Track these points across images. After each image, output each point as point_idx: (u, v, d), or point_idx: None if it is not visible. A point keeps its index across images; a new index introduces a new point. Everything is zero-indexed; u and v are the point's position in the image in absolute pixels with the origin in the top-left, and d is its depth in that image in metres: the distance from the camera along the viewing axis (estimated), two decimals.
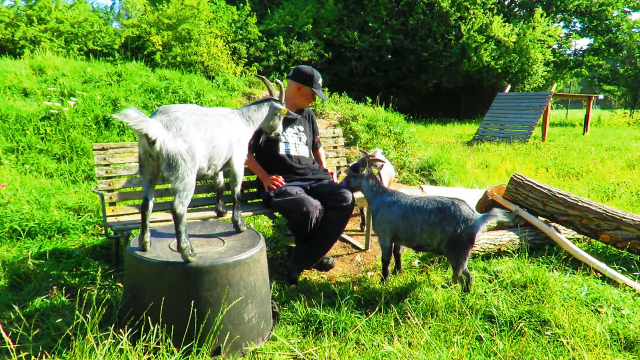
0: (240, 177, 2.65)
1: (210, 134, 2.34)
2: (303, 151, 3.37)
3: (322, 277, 3.25)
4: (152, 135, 2.02)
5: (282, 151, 3.26)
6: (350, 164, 3.09)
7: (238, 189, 2.66)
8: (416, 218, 2.70)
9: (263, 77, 2.89)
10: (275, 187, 3.14)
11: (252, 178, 3.52)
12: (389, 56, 17.68)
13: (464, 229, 2.55)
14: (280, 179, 3.15)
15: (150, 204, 2.28)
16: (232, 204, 2.69)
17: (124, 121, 1.90)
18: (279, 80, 2.98)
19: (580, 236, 3.70)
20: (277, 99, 2.83)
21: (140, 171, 2.26)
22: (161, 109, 2.23)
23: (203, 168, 2.35)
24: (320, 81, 3.28)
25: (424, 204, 2.71)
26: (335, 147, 4.06)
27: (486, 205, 3.92)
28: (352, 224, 4.41)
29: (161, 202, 3.17)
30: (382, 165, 3.29)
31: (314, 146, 3.58)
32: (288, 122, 3.34)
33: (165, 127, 2.12)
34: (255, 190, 3.52)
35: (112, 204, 3.04)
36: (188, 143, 2.17)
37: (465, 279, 2.67)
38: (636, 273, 3.10)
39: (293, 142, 3.32)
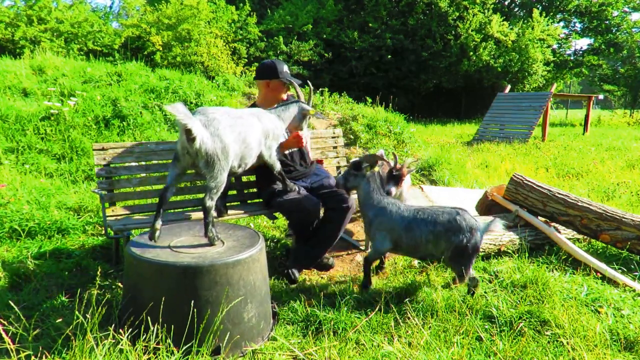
0: (277, 164, 2.95)
1: (244, 135, 2.54)
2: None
3: (322, 277, 3.25)
4: (195, 132, 2.18)
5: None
6: (352, 160, 2.94)
7: (277, 168, 2.96)
8: (421, 229, 2.65)
9: (292, 80, 3.10)
10: (302, 142, 3.09)
11: (252, 178, 3.52)
12: (389, 56, 17.67)
13: (469, 238, 2.57)
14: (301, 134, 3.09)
15: (169, 195, 2.40)
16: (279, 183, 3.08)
17: (173, 113, 2.08)
18: (309, 84, 3.16)
19: (580, 236, 3.70)
20: (304, 100, 3.03)
21: (172, 164, 2.41)
22: (199, 110, 2.42)
23: (234, 167, 2.54)
24: (285, 68, 3.19)
25: (428, 215, 2.66)
26: (335, 147, 4.06)
27: (486, 205, 3.92)
28: (353, 224, 4.41)
29: None
30: (383, 164, 3.26)
31: None
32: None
33: (204, 126, 2.29)
34: (255, 190, 3.51)
35: (112, 204, 3.04)
36: (223, 143, 2.35)
37: (473, 284, 2.68)
38: (636, 273, 3.10)
39: None
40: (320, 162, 3.61)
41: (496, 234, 3.45)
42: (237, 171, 2.64)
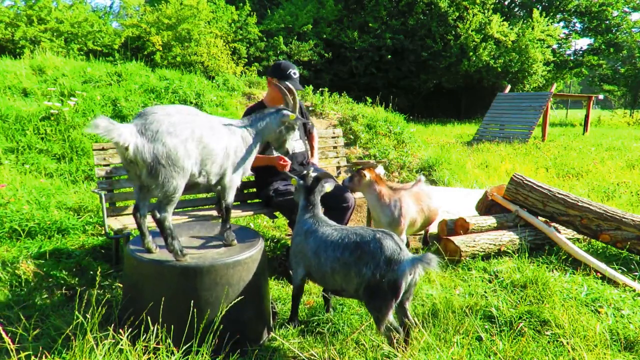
0: (230, 195, 2.41)
1: (199, 133, 2.13)
2: (298, 146, 3.35)
3: None
4: (123, 142, 1.89)
5: (276, 152, 3.23)
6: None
7: (229, 199, 2.42)
8: (327, 255, 2.12)
9: (280, 85, 2.58)
10: (286, 167, 3.05)
11: (252, 178, 3.52)
12: (389, 56, 17.66)
13: (386, 272, 1.95)
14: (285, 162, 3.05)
15: (142, 214, 2.15)
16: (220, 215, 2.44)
17: (95, 132, 1.80)
18: (289, 84, 2.59)
19: (580, 236, 3.70)
20: (286, 107, 2.55)
21: (128, 178, 2.18)
22: (141, 112, 2.07)
23: (194, 174, 2.15)
24: (291, 71, 3.17)
25: (339, 238, 2.12)
26: (335, 147, 4.06)
27: (486, 205, 3.93)
28: (352, 224, 4.41)
29: None
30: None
31: (307, 132, 3.56)
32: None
33: (140, 131, 1.97)
34: (255, 190, 3.51)
35: (112, 204, 3.05)
36: (167, 147, 1.99)
37: (387, 335, 2.03)
38: (636, 273, 3.10)
39: None
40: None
41: (496, 233, 3.45)
42: (198, 180, 2.21)
